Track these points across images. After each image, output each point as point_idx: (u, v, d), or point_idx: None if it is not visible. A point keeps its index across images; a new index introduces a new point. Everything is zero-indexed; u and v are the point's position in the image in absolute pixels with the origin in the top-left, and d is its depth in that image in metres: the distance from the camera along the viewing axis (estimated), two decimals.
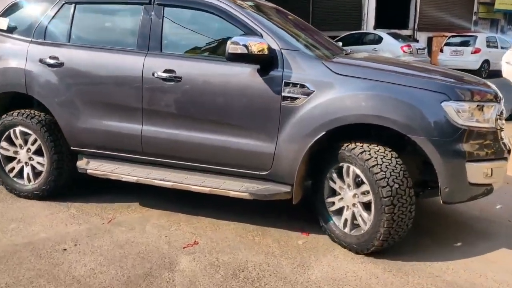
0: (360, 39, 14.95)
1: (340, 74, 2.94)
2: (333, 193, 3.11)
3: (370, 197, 2.87)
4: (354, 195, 2.99)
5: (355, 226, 3.00)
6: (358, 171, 2.91)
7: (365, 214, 2.92)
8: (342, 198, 3.04)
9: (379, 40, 14.57)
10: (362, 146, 2.92)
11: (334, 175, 3.06)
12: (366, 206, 2.94)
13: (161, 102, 3.26)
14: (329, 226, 3.08)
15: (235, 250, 3.01)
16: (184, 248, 3.01)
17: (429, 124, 2.75)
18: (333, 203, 3.09)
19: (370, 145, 2.93)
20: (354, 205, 2.99)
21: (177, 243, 3.08)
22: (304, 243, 3.12)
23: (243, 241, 3.13)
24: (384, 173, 2.79)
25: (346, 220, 3.02)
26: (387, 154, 2.88)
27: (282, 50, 3.04)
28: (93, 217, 3.43)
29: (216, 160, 3.23)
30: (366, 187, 2.88)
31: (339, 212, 3.08)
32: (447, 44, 14.94)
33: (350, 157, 2.92)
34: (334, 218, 3.08)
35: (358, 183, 2.97)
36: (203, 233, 3.23)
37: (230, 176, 3.23)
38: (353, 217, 3.00)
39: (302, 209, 3.47)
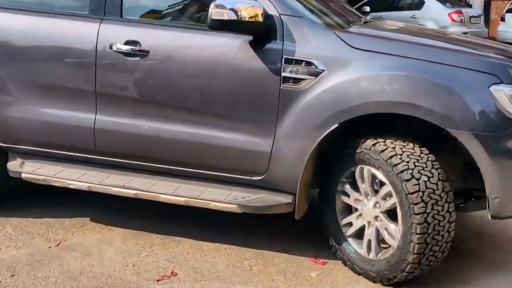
0: (395, 3, 15.00)
1: (358, 49, 3.03)
2: (349, 210, 3.22)
3: (393, 200, 2.95)
4: (375, 204, 3.08)
5: (381, 248, 3.09)
6: (379, 175, 3.00)
7: (391, 226, 3.00)
8: (360, 214, 3.15)
9: (419, 4, 14.56)
10: (386, 143, 2.98)
11: (347, 186, 3.17)
12: (390, 214, 3.02)
13: (121, 84, 3.34)
14: (349, 256, 3.17)
15: (226, 285, 3.05)
16: (158, 281, 3.05)
17: (474, 115, 2.83)
18: (350, 224, 3.19)
19: (397, 142, 2.97)
20: (376, 218, 3.08)
21: (148, 274, 3.12)
22: (319, 275, 3.17)
23: (237, 272, 3.18)
24: (417, 180, 2.85)
25: (369, 242, 3.11)
26: (420, 154, 2.94)
27: (282, 16, 3.12)
28: (36, 238, 3.45)
29: (195, 160, 3.31)
30: (386, 188, 2.97)
31: (359, 234, 3.18)
32: (510, 11, 15.05)
33: (369, 158, 3.00)
34: (354, 244, 3.18)
35: (375, 187, 3.05)
36: (183, 261, 3.28)
37: (212, 182, 3.32)
38: (378, 235, 3.09)
39: (313, 224, 3.52)
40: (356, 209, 3.20)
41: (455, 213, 2.97)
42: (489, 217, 2.92)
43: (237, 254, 3.40)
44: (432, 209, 2.86)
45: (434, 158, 2.96)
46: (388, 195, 3.00)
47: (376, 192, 3.07)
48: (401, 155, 2.93)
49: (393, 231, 3.00)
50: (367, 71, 2.97)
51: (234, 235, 3.62)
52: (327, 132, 3.02)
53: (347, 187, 3.19)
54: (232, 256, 3.37)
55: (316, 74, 3.04)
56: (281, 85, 3.08)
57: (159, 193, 3.30)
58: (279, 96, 3.09)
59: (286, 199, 3.19)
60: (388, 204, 3.02)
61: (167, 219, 3.80)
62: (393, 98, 2.90)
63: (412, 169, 2.88)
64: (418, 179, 2.87)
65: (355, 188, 3.18)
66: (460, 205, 3.24)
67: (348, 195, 3.21)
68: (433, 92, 2.86)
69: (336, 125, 3.01)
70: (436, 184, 2.89)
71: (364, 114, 2.97)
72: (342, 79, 2.99)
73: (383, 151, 2.96)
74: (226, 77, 3.18)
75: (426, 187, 2.87)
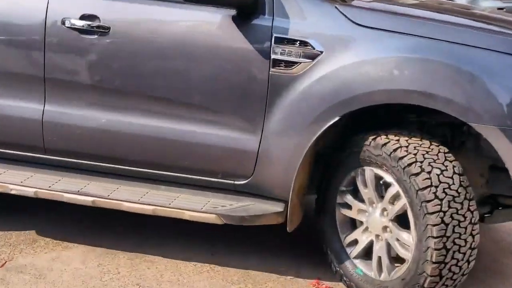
0: None
1: (364, 26, 3.04)
2: (352, 224, 3.26)
3: (402, 201, 2.97)
4: (382, 212, 3.10)
5: (394, 266, 3.10)
6: (383, 175, 3.02)
7: (403, 235, 3.02)
8: (366, 228, 3.19)
9: None
10: (388, 136, 3.01)
11: (348, 197, 3.22)
12: (401, 221, 3.04)
13: (75, 68, 3.33)
14: (357, 282, 3.20)
15: None
16: None
17: (502, 106, 2.83)
18: (355, 241, 3.23)
19: (402, 135, 3.00)
20: (385, 229, 3.10)
21: None
22: None
23: None
24: (427, 174, 2.86)
25: (379, 260, 3.13)
26: (430, 146, 2.96)
27: None
28: None
29: (165, 161, 3.33)
30: (393, 189, 2.99)
31: (367, 253, 3.21)
32: None
33: (370, 156, 3.03)
34: (362, 266, 3.21)
35: (380, 192, 3.09)
36: (156, 286, 3.27)
37: (187, 186, 3.35)
38: (389, 249, 3.11)
39: (312, 238, 3.56)
40: (361, 223, 3.23)
41: (478, 213, 2.97)
42: None
43: (222, 276, 3.39)
44: (449, 206, 2.86)
45: (447, 150, 2.98)
46: (396, 197, 3.02)
47: (381, 197, 3.11)
48: (406, 147, 2.95)
49: (406, 241, 3.02)
50: (374, 53, 2.99)
51: (218, 252, 3.62)
52: (325, 127, 3.04)
53: (348, 198, 3.23)
54: (217, 280, 3.37)
55: (312, 56, 3.05)
56: (271, 69, 3.10)
57: (122, 201, 3.30)
58: (268, 83, 3.10)
59: (276, 207, 3.22)
60: (397, 208, 3.03)
61: (136, 233, 3.79)
62: (404, 85, 2.92)
63: (421, 162, 2.89)
64: (429, 172, 2.88)
65: (357, 197, 3.22)
66: (486, 215, 3.27)
67: (350, 207, 3.24)
68: (453, 78, 2.88)
69: (336, 119, 3.02)
70: (452, 178, 2.89)
71: (370, 106, 2.99)
72: (344, 63, 3.01)
73: (385, 144, 2.98)
74: (203, 60, 3.18)
75: (440, 181, 2.87)
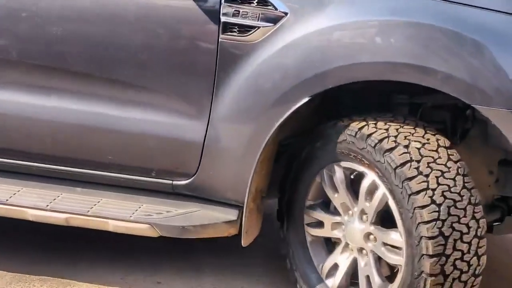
0: None
1: None
2: (327, 245, 3.23)
3: (380, 190, 2.94)
4: (361, 216, 3.04)
5: (386, 282, 3.06)
6: (360, 169, 2.99)
7: (391, 235, 2.97)
8: (346, 245, 3.13)
9: None
10: (377, 125, 2.96)
11: (318, 213, 3.19)
12: (383, 220, 3.01)
13: None
14: None
15: None
16: None
17: None
18: (335, 267, 3.17)
19: (393, 122, 2.96)
20: (368, 237, 3.04)
21: None
22: None
23: None
24: (425, 177, 2.81)
25: (368, 280, 3.08)
26: (428, 138, 2.91)
27: None
28: None
29: (82, 155, 3.25)
30: (367, 180, 2.97)
31: (353, 278, 3.16)
32: None
33: (357, 150, 2.97)
34: None
35: (354, 190, 3.07)
36: None
37: (111, 188, 3.27)
38: (377, 262, 3.05)
39: (277, 250, 3.49)
40: (337, 241, 3.15)
41: (485, 223, 2.89)
42: None
43: None
44: (449, 214, 2.79)
45: (449, 144, 2.91)
46: (372, 189, 2.97)
47: (357, 198, 3.04)
48: (395, 136, 2.89)
49: (395, 241, 2.95)
50: (352, 16, 2.96)
51: (169, 270, 3.53)
52: (291, 111, 2.95)
53: (318, 214, 3.18)
54: None
55: (274, 19, 3.00)
56: (220, 36, 3.03)
57: (25, 207, 3.19)
58: (217, 54, 3.04)
59: (227, 215, 3.14)
60: (375, 202, 2.96)
61: (60, 250, 3.70)
62: (391, 57, 2.87)
63: (418, 161, 2.83)
64: (427, 176, 2.81)
65: (329, 210, 3.17)
66: (494, 224, 3.22)
67: (321, 225, 3.17)
68: (453, 48, 2.84)
69: (305, 100, 2.93)
70: (454, 179, 2.82)
71: (349, 83, 2.91)
72: (314, 28, 2.96)
73: (370, 135, 2.92)
74: (132, 24, 3.11)
75: (438, 184, 2.80)
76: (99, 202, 3.20)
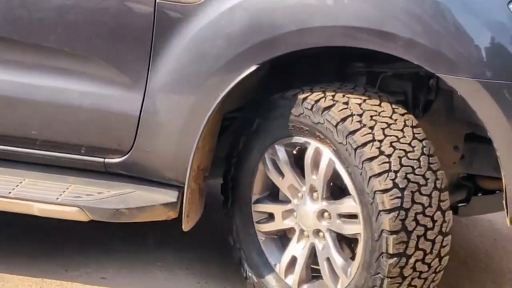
0: None
1: None
2: (282, 240, 3.18)
3: (327, 155, 2.90)
4: (311, 194, 2.99)
5: (349, 261, 3.02)
6: (327, 153, 2.92)
7: (345, 203, 2.94)
8: (301, 232, 3.07)
9: None
10: (335, 97, 2.90)
11: (266, 205, 3.14)
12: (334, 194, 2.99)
13: None
14: None
15: None
16: None
17: (483, 51, 2.75)
18: (294, 260, 3.12)
19: (353, 95, 2.92)
20: (322, 214, 3.00)
21: None
22: None
23: None
24: (387, 158, 2.78)
25: (329, 263, 3.03)
26: (392, 115, 2.86)
27: None
28: None
29: (4, 129, 3.15)
30: (311, 147, 2.93)
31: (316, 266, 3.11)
32: None
33: (310, 125, 2.92)
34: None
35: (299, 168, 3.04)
36: None
37: (35, 167, 3.18)
38: (336, 241, 3.01)
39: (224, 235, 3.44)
40: (291, 232, 3.09)
41: (451, 216, 2.87)
42: (507, 223, 2.82)
43: None
44: (413, 201, 2.75)
45: (415, 123, 2.87)
46: (316, 156, 2.95)
47: (303, 174, 3.00)
48: (360, 115, 2.84)
49: (351, 207, 2.94)
50: None
51: (116, 264, 3.42)
52: (237, 81, 2.89)
53: (267, 206, 3.13)
54: None
55: None
56: None
57: None
58: (154, 17, 2.97)
59: (166, 196, 3.06)
60: (322, 170, 2.93)
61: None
62: (345, 21, 2.82)
63: (380, 141, 2.79)
64: (389, 156, 2.77)
65: (278, 199, 3.13)
66: (460, 205, 3.21)
67: (272, 217, 3.11)
68: (416, 12, 2.79)
69: (253, 68, 2.86)
70: (418, 160, 2.79)
71: (302, 50, 2.86)
72: None
73: (328, 108, 2.86)
74: None
75: (402, 165, 2.76)
76: (21, 182, 3.09)
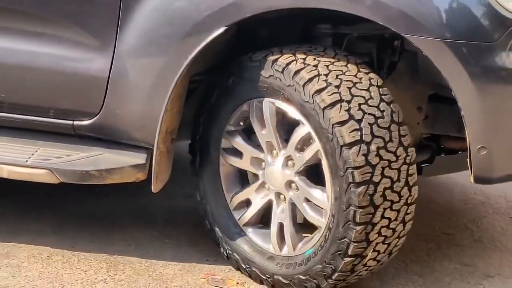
0: None
1: None
2: (242, 179, 3.21)
3: (315, 147, 2.89)
4: (286, 162, 2.99)
5: (302, 236, 3.05)
6: (296, 115, 2.92)
7: (315, 193, 2.94)
8: (262, 184, 3.09)
9: None
10: (305, 60, 2.90)
11: (238, 140, 3.13)
12: (310, 174, 2.96)
13: None
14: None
15: None
16: None
17: (449, 12, 2.75)
18: (247, 202, 3.16)
19: (326, 58, 2.92)
20: (289, 185, 3.01)
21: None
22: None
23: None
24: (354, 122, 2.78)
25: (281, 227, 3.05)
26: (360, 78, 2.87)
27: None
28: None
29: None
30: (303, 129, 2.91)
31: (264, 219, 3.14)
32: None
33: (282, 88, 2.91)
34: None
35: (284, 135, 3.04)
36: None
37: (4, 130, 3.19)
38: (294, 213, 3.03)
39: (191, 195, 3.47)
40: (256, 176, 3.10)
41: (416, 177, 2.89)
42: (471, 181, 2.84)
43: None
44: (383, 173, 2.78)
45: (381, 83, 2.88)
46: (306, 140, 2.93)
47: (286, 141, 2.98)
48: (326, 75, 2.83)
49: (319, 201, 2.93)
50: None
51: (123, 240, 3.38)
52: (206, 43, 2.88)
53: (238, 141, 3.12)
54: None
55: None
56: None
57: None
58: None
59: (135, 158, 3.07)
60: (307, 155, 2.92)
61: None
62: None
63: (348, 101, 2.78)
64: (359, 121, 2.76)
65: (251, 141, 3.11)
66: (423, 166, 3.22)
67: (239, 155, 3.12)
68: None
69: (221, 30, 2.85)
70: (389, 129, 2.79)
71: (270, 11, 2.83)
72: None
73: (298, 71, 2.85)
74: None
75: (373, 135, 2.76)
76: None
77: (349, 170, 2.76)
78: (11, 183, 3.20)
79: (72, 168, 3.00)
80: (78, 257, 3.17)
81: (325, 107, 2.80)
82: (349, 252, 2.80)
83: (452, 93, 2.73)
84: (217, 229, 3.18)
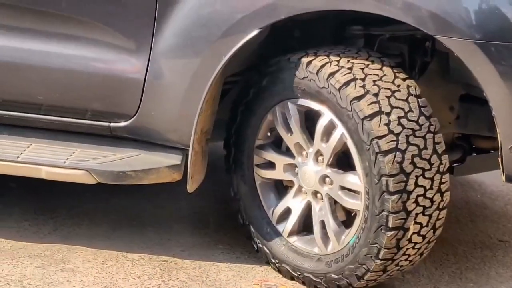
0: None
1: None
2: (279, 190, 3.20)
3: (339, 130, 2.91)
4: (316, 158, 3.00)
5: (343, 229, 3.05)
6: (316, 107, 2.94)
7: (349, 178, 2.95)
8: (299, 188, 3.08)
9: None
10: (339, 62, 2.90)
11: (269, 153, 3.14)
12: (340, 163, 2.98)
13: None
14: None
15: None
16: None
17: (480, 12, 2.76)
18: (288, 211, 3.14)
19: (357, 60, 2.91)
20: (323, 180, 3.00)
21: None
22: None
23: None
24: (386, 116, 2.79)
25: (323, 225, 3.04)
26: (397, 83, 2.87)
27: None
28: None
29: (6, 94, 3.16)
30: (325, 119, 2.93)
31: (305, 225, 3.13)
32: None
33: (309, 86, 2.93)
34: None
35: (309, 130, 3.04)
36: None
37: (41, 132, 3.20)
38: (333, 207, 3.02)
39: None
40: (290, 184, 3.11)
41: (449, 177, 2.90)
42: (503, 180, 2.83)
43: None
44: (414, 165, 2.78)
45: (414, 83, 2.88)
46: (329, 128, 2.94)
47: (312, 139, 3.00)
48: (363, 79, 2.85)
49: (353, 184, 2.94)
50: None
51: (178, 247, 3.37)
52: (240, 44, 2.89)
53: (269, 154, 3.13)
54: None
55: None
56: None
57: None
58: None
59: (170, 159, 3.08)
60: (333, 143, 2.93)
61: None
62: None
63: (376, 95, 2.81)
64: (388, 114, 2.78)
65: (281, 150, 3.15)
66: (455, 165, 3.21)
67: (272, 166, 3.13)
68: None
69: (256, 32, 2.86)
70: (417, 122, 2.81)
71: (303, 14, 2.85)
72: None
73: (333, 74, 2.86)
74: None
75: (403, 127, 2.77)
76: (28, 147, 3.11)
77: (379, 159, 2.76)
78: (66, 190, 3.28)
79: (109, 169, 3.02)
80: (132, 262, 3.15)
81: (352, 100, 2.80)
82: (390, 225, 2.81)
83: (483, 93, 2.73)
84: (263, 246, 3.18)
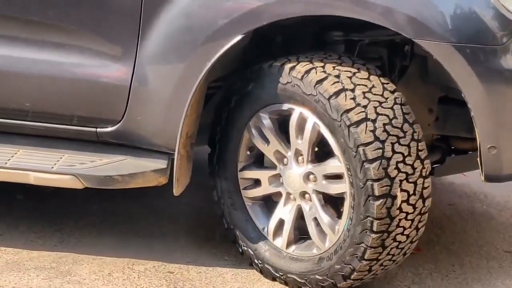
0: None
1: None
2: (268, 204, 3.20)
3: (311, 120, 2.91)
4: (297, 158, 2.99)
5: (336, 220, 3.05)
6: (314, 120, 2.93)
7: (330, 163, 2.95)
8: (288, 196, 3.09)
9: None
10: (325, 68, 2.91)
11: (253, 172, 3.15)
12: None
13: None
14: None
15: None
16: None
17: (457, 16, 2.78)
18: (281, 223, 3.14)
19: (343, 66, 2.92)
20: (308, 177, 3.01)
21: None
22: None
23: None
24: (371, 133, 2.80)
25: (316, 223, 3.04)
26: (375, 84, 2.88)
27: None
28: None
29: None
30: (295, 113, 2.93)
31: (300, 229, 3.13)
32: None
33: (295, 92, 2.93)
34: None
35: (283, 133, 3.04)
36: None
37: (28, 138, 3.19)
38: (322, 200, 3.03)
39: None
40: (279, 196, 3.12)
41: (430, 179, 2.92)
42: (482, 180, 2.87)
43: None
44: (399, 170, 2.80)
45: (394, 88, 2.89)
46: (301, 121, 2.95)
47: (288, 140, 3.01)
48: (357, 94, 2.85)
49: (336, 167, 2.95)
50: None
51: (183, 258, 3.34)
52: (224, 50, 2.90)
53: (253, 173, 3.15)
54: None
55: None
56: None
57: None
58: None
59: (157, 163, 3.09)
60: (307, 134, 2.94)
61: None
62: None
63: (365, 106, 2.82)
64: (374, 121, 2.79)
65: (263, 165, 3.16)
66: (434, 166, 3.20)
67: (258, 183, 3.14)
68: None
69: (239, 38, 2.88)
70: (401, 128, 2.82)
71: (285, 19, 2.86)
72: None
73: (320, 81, 2.86)
74: None
75: (389, 134, 2.79)
76: (16, 153, 3.10)
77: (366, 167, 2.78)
78: (73, 201, 3.30)
79: (96, 174, 3.02)
80: (138, 274, 3.13)
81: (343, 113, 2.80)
82: (376, 193, 2.81)
83: (462, 94, 2.76)
84: (265, 265, 3.15)
